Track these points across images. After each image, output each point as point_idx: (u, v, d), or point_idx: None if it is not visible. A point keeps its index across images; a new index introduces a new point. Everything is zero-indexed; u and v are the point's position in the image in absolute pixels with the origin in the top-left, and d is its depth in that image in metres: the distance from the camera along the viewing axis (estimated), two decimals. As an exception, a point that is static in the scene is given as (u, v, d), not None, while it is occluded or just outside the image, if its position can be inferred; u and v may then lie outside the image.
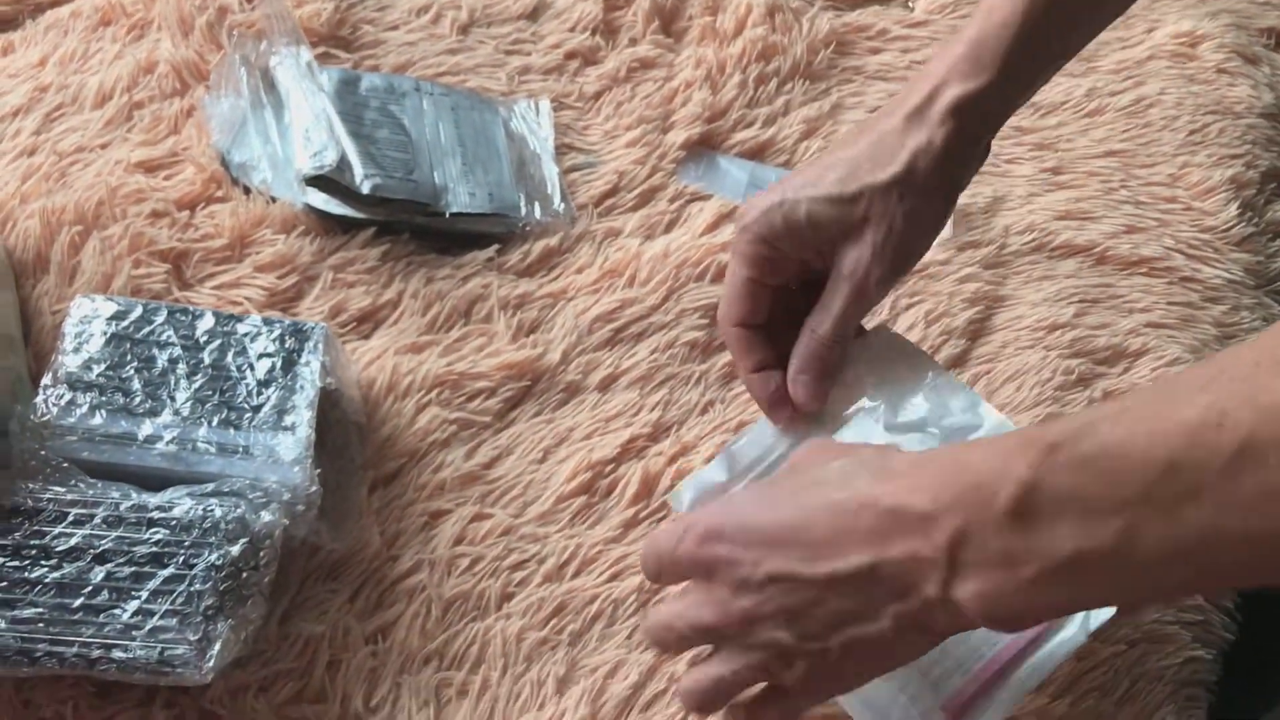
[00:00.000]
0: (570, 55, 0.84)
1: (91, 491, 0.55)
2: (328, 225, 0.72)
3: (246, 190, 0.72)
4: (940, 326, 0.73)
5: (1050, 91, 0.87)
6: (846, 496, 0.45)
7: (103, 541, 0.54)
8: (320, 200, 0.71)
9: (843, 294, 0.56)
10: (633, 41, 0.85)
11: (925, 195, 0.56)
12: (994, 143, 0.85)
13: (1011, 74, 0.56)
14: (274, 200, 0.71)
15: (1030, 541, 0.40)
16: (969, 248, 0.77)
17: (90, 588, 0.53)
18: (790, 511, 0.46)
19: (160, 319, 0.61)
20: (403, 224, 0.72)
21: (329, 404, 0.62)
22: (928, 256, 0.76)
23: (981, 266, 0.77)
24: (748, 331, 0.59)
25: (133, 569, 0.54)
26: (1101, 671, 0.61)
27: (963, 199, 0.79)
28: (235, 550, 0.54)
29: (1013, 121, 0.86)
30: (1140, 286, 0.78)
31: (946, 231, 0.77)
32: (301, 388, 0.60)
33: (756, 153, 0.81)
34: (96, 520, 0.54)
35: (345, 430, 0.63)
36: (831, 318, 0.57)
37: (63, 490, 0.55)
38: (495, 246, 0.73)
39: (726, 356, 0.71)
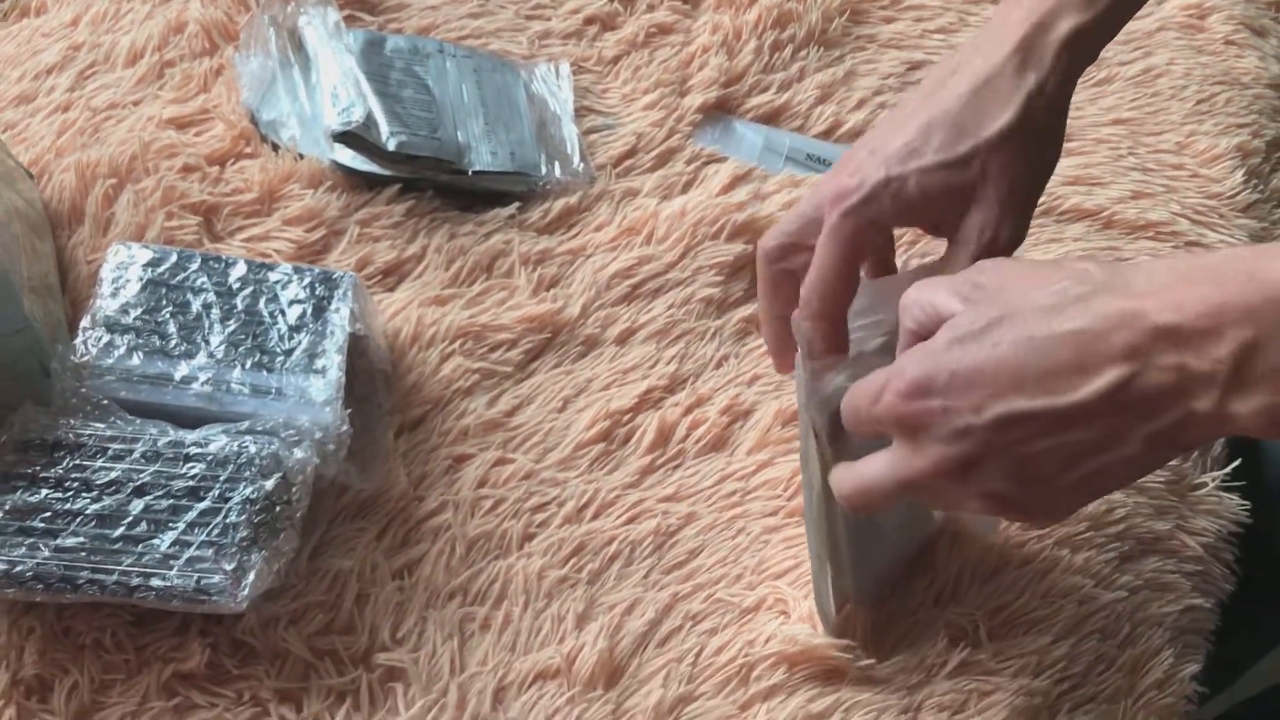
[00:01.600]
0: (589, 20, 0.85)
1: (130, 428, 0.57)
2: (354, 182, 0.73)
3: (275, 147, 0.74)
4: (950, 286, 0.75)
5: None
6: (1089, 321, 0.41)
7: (141, 475, 0.56)
8: (347, 157, 0.73)
9: (966, 259, 0.51)
10: (650, 7, 0.86)
11: (1043, 139, 0.52)
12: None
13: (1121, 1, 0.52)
14: (302, 157, 0.73)
15: None
16: (979, 211, 0.79)
17: (129, 519, 0.55)
18: (1014, 348, 0.42)
19: (194, 266, 0.63)
20: (426, 181, 0.74)
21: (356, 352, 0.64)
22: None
23: (991, 229, 0.78)
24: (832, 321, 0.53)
25: (170, 501, 0.56)
26: (1103, 616, 0.63)
27: (973, 163, 0.81)
28: (269, 485, 0.56)
29: (1023, 89, 0.88)
30: (1146, 250, 0.79)
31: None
32: (331, 333, 0.62)
33: (771, 117, 0.82)
34: (135, 455, 0.56)
35: (372, 377, 0.65)
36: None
37: (102, 426, 0.57)
38: (516, 204, 0.75)
39: (741, 312, 0.73)
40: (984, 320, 0.43)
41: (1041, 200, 0.80)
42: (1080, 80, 0.88)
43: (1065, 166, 0.83)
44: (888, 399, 0.45)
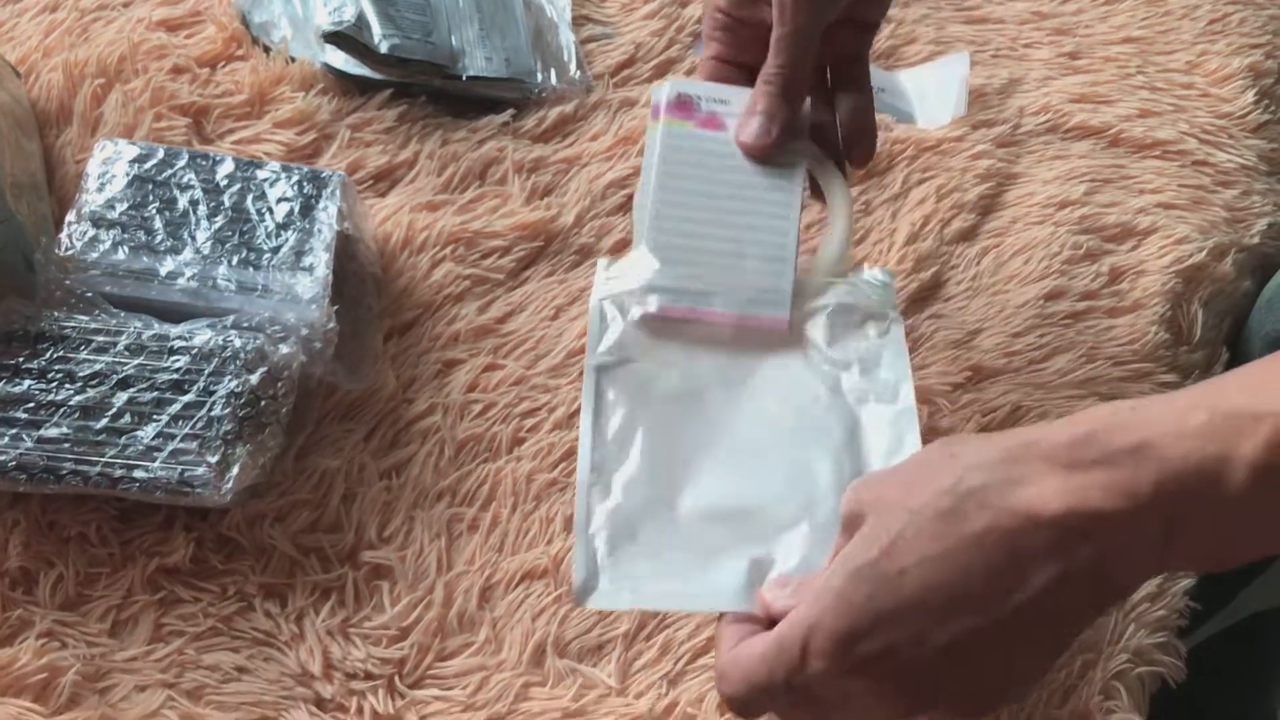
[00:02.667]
0: (590, -72, 0.84)
1: (114, 321, 0.57)
2: (345, 85, 0.72)
3: (266, 49, 0.73)
4: (951, 201, 0.74)
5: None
6: (1004, 523, 0.39)
7: (125, 368, 0.56)
8: (339, 60, 0.72)
9: (776, 22, 0.54)
10: (653, -84, 0.84)
11: None
12: (1012, 26, 0.85)
13: None
14: (293, 60, 0.72)
15: (1262, 508, 0.38)
16: (982, 126, 0.78)
17: (113, 411, 0.55)
18: (936, 567, 0.40)
19: (181, 163, 0.62)
20: (419, 86, 0.73)
21: (346, 254, 0.63)
22: (939, 133, 0.77)
23: (994, 144, 0.77)
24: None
25: (154, 394, 0.55)
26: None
27: (978, 79, 0.80)
28: (254, 379, 0.55)
29: (1031, 6, 0.87)
30: (1153, 169, 0.78)
31: (960, 109, 0.78)
32: (319, 231, 0.61)
33: (773, 29, 0.81)
34: (119, 348, 0.56)
35: (362, 280, 0.65)
36: (770, 53, 0.54)
37: (86, 319, 0.57)
38: (510, 111, 0.74)
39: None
40: (881, 535, 0.41)
41: (1046, 116, 0.79)
42: (1090, -1, 0.87)
43: (1071, 84, 0.81)
44: (815, 664, 0.41)
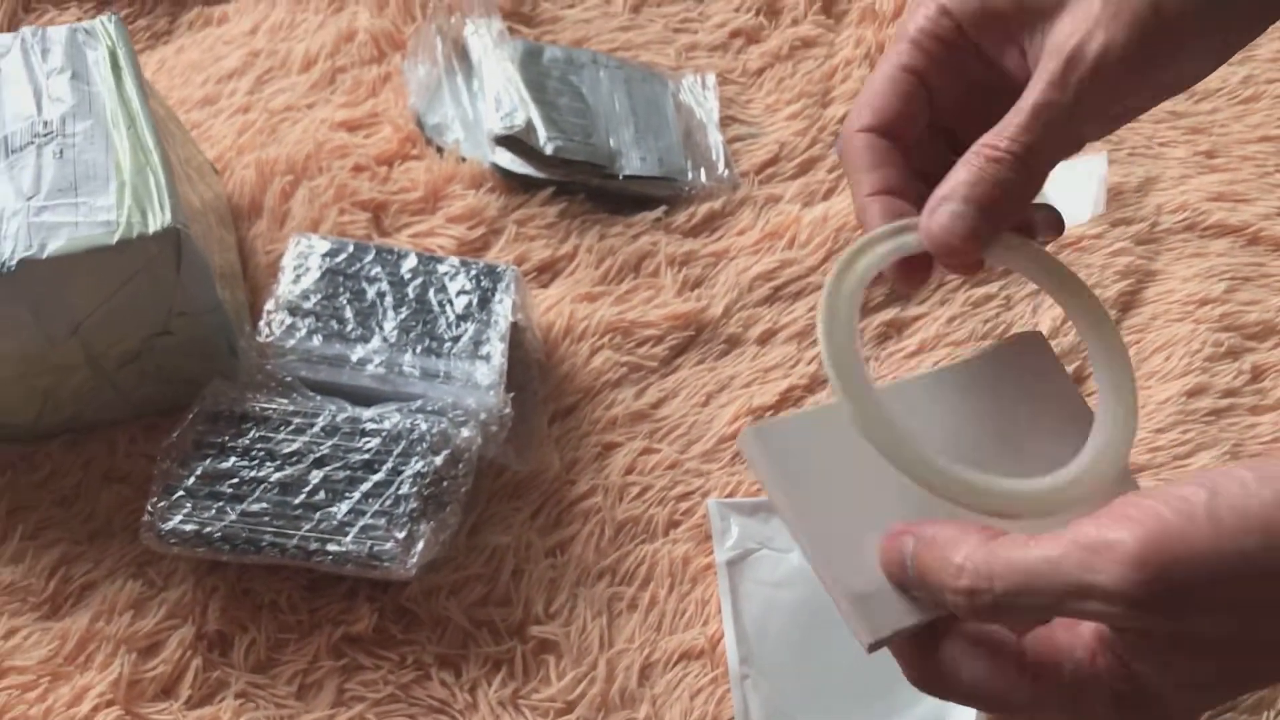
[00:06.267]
0: (735, 34, 0.88)
1: (311, 404, 0.61)
2: (511, 184, 0.77)
3: (439, 149, 0.78)
4: (1090, 297, 0.75)
5: (1206, 78, 0.88)
6: None
7: (321, 447, 0.60)
8: (506, 159, 0.77)
9: (1043, 80, 0.37)
10: (794, 21, 0.89)
11: None
12: (1148, 126, 0.87)
13: None
14: (464, 159, 0.77)
15: None
16: (1121, 224, 0.80)
17: (309, 487, 0.59)
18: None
19: (369, 257, 0.67)
20: (579, 185, 0.78)
21: (514, 343, 0.68)
22: (1079, 230, 0.79)
23: (1133, 242, 0.79)
24: (881, 140, 0.40)
25: (347, 473, 0.60)
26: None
27: (1115, 176, 0.82)
28: (438, 460, 0.59)
29: (1166, 106, 0.89)
30: (1293, 267, 0.79)
31: (1099, 206, 0.80)
32: (495, 322, 0.65)
33: (912, 128, 0.84)
34: (316, 429, 0.61)
35: (527, 367, 0.69)
36: (1020, 116, 0.38)
37: (286, 402, 0.61)
38: (663, 208, 0.78)
39: (882, 316, 0.74)
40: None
41: (1184, 214, 0.81)
42: (1225, 98, 0.88)
43: (1208, 182, 0.83)
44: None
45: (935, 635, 0.37)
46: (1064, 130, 0.38)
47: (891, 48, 0.41)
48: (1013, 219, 0.39)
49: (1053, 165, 0.39)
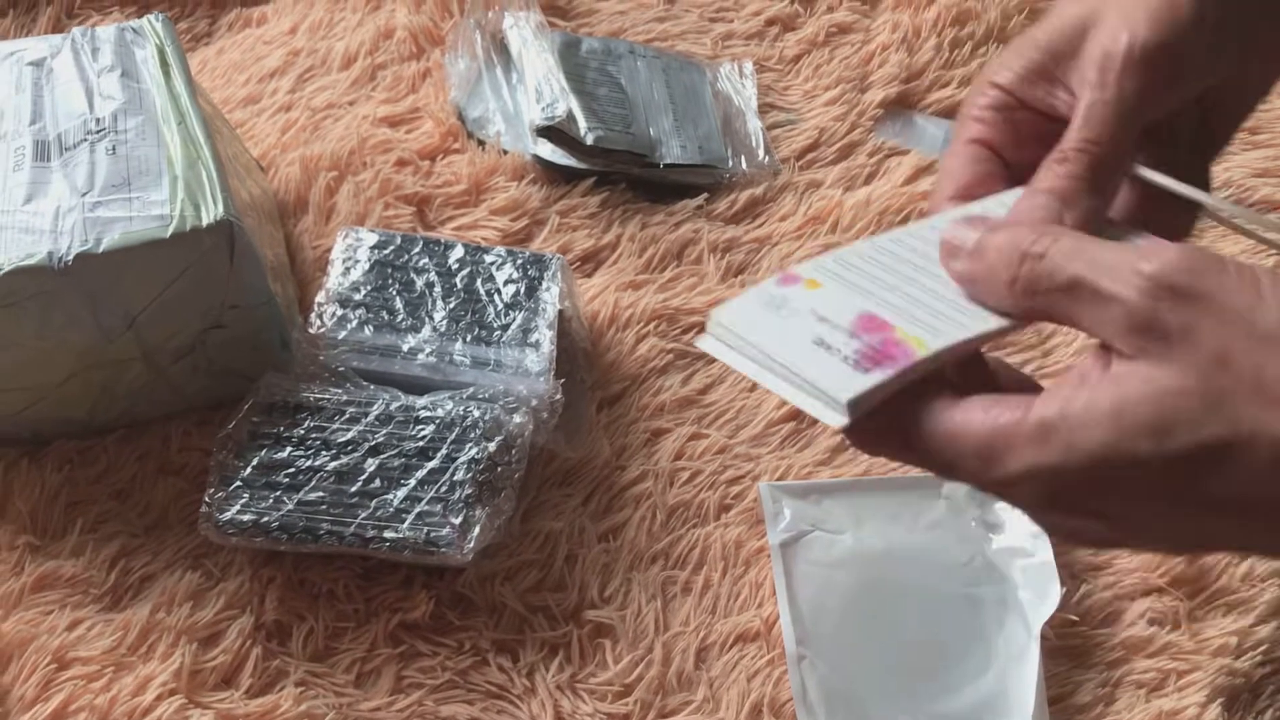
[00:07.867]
0: (770, 22, 0.88)
1: (364, 393, 0.62)
2: (553, 175, 0.78)
3: (481, 143, 0.78)
4: (1137, 275, 0.75)
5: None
6: None
7: (375, 436, 0.61)
8: (547, 151, 0.77)
9: (1085, 89, 0.41)
10: (830, 8, 0.89)
11: None
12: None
13: None
14: (505, 152, 0.78)
15: None
16: (1165, 202, 0.79)
17: (365, 476, 0.60)
18: None
19: (416, 249, 0.68)
20: (620, 174, 0.78)
21: (560, 331, 0.68)
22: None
23: (1178, 220, 0.78)
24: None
25: (402, 460, 0.60)
26: None
27: (1158, 155, 0.81)
28: (492, 447, 0.60)
29: (1207, 83, 0.88)
30: (1341, 242, 0.78)
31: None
32: (543, 310, 0.66)
33: (953, 112, 0.84)
34: (370, 418, 0.61)
35: (574, 355, 0.69)
36: (1075, 122, 0.41)
37: (339, 392, 0.62)
38: (704, 195, 0.78)
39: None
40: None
41: (1230, 192, 0.80)
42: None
43: (1254, 159, 0.82)
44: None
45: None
46: (1117, 122, 0.41)
47: (957, 131, 0.45)
48: (1103, 196, 0.42)
49: (1119, 156, 0.41)
